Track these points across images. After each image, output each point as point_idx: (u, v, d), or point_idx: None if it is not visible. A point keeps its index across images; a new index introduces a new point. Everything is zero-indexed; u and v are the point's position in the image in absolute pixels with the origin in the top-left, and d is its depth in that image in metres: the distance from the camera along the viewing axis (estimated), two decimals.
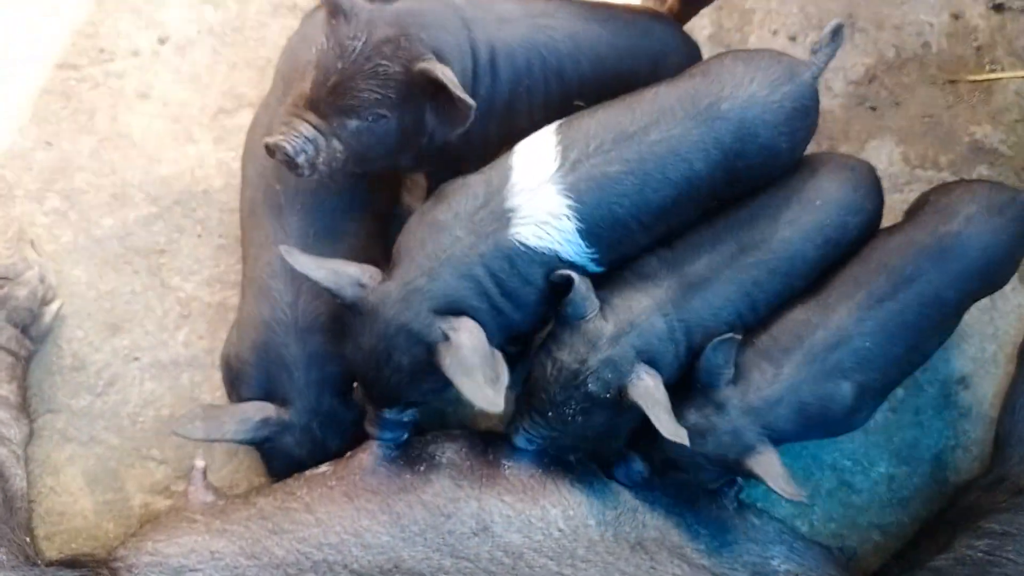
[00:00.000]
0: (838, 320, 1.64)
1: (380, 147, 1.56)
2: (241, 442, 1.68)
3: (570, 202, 1.52)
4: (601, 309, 1.56)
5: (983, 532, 1.72)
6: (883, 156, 2.12)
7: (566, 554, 1.53)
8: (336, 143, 1.52)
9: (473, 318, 1.51)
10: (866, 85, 2.15)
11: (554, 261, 1.55)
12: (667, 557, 1.57)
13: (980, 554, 1.67)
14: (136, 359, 1.97)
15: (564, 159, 1.53)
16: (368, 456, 1.62)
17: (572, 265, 1.56)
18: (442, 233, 1.52)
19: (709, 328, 1.62)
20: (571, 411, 1.55)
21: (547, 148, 1.55)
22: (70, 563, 1.57)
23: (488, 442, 1.67)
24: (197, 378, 1.97)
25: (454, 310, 1.51)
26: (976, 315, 2.04)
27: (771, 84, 1.60)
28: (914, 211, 1.81)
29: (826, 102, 2.12)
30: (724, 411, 1.60)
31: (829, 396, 1.64)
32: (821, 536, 1.95)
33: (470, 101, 1.46)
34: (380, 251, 1.77)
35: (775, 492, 1.57)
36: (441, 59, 1.50)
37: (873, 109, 2.15)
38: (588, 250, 1.56)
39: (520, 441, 1.62)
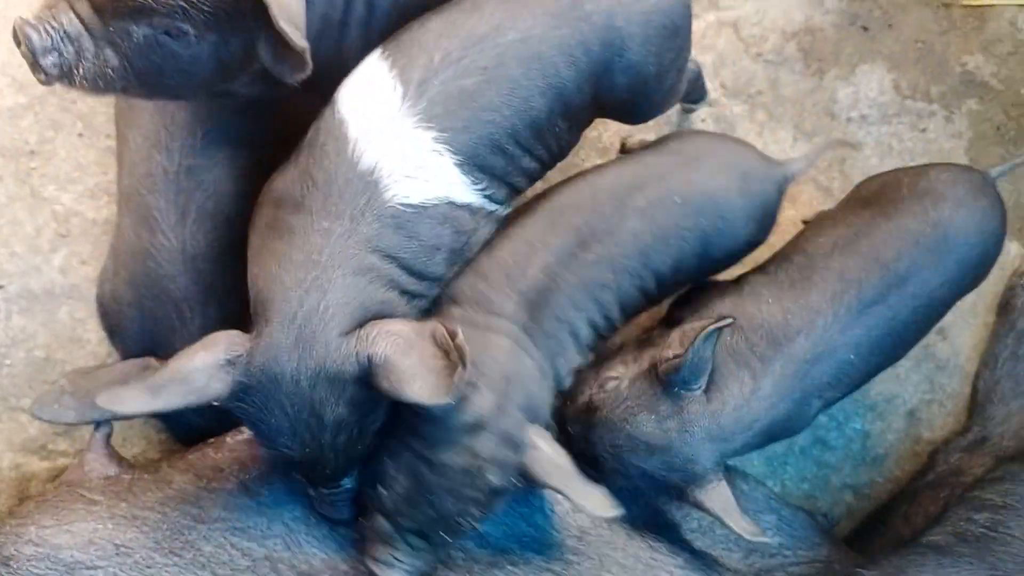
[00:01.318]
0: (823, 327, 1.42)
1: (181, 74, 1.16)
2: (124, 418, 1.37)
3: (434, 133, 1.21)
4: None
5: (981, 504, 1.62)
6: (873, 83, 1.96)
7: (555, 547, 1.30)
8: (110, 52, 1.11)
9: (389, 313, 1.21)
10: (859, 2, 1.96)
11: (451, 209, 1.25)
12: (665, 545, 1.37)
13: (982, 529, 1.57)
14: (0, 287, 1.61)
15: (406, 83, 1.22)
16: None
17: (470, 208, 1.28)
18: (305, 236, 1.17)
19: (569, 353, 1.37)
20: (470, 518, 1.23)
21: (379, 77, 1.23)
22: None
23: None
24: (79, 312, 1.63)
25: (368, 319, 1.19)
26: None
27: None
28: (886, 194, 1.57)
29: (817, 18, 1.94)
30: (688, 432, 1.34)
31: (798, 416, 1.45)
32: (793, 497, 1.83)
33: (302, 46, 1.09)
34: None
35: (728, 528, 1.36)
36: None
37: (865, 29, 1.97)
38: (477, 187, 1.27)
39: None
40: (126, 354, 1.45)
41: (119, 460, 1.35)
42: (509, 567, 1.27)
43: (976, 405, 1.88)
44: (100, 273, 1.48)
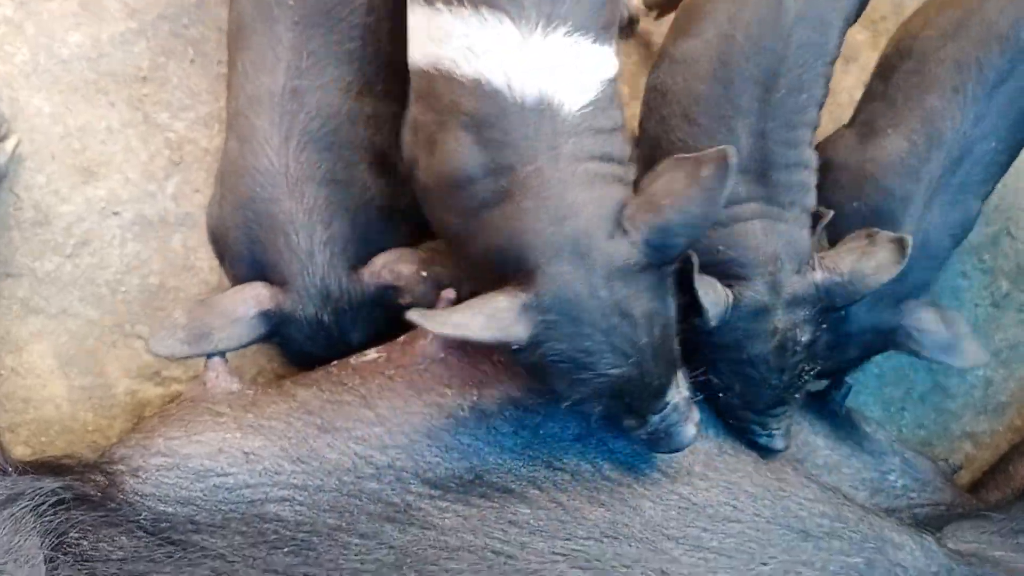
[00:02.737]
0: (952, 130, 1.33)
1: None
2: (240, 347, 1.35)
3: (561, 28, 1.16)
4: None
5: None
6: None
7: (682, 471, 1.25)
8: None
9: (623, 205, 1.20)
10: None
11: (610, 87, 1.22)
12: (793, 475, 1.32)
13: None
14: (116, 214, 1.58)
15: (495, 5, 1.15)
16: (430, 342, 1.30)
17: (615, 78, 1.24)
18: (523, 188, 1.14)
19: (811, 185, 1.35)
20: (810, 372, 1.33)
21: (463, 19, 1.17)
22: (50, 467, 1.23)
23: None
24: (192, 240, 1.60)
25: (616, 217, 1.17)
26: None
27: None
28: None
29: None
30: (849, 314, 1.35)
31: (959, 225, 1.38)
32: (910, 444, 1.74)
33: None
34: (397, 83, 1.42)
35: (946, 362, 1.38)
36: None
37: None
38: (613, 48, 1.23)
39: (781, 442, 1.35)
40: (236, 279, 1.42)
41: (240, 377, 1.33)
42: (636, 486, 1.22)
43: None
44: (210, 198, 1.45)
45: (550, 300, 1.11)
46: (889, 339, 1.40)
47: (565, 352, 1.13)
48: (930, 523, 1.46)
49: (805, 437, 1.41)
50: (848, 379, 1.52)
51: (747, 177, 1.30)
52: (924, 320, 1.38)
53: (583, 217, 1.13)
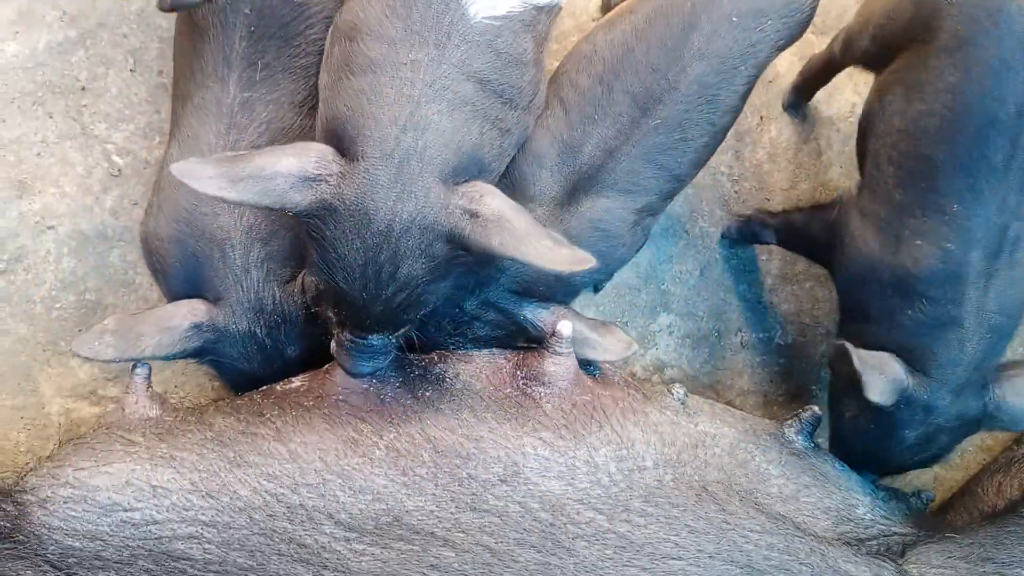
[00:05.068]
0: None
1: None
2: (168, 358, 1.30)
3: None
4: None
5: None
6: None
7: (619, 507, 1.19)
8: None
9: (484, 159, 1.15)
10: None
11: (534, 14, 1.16)
12: (739, 506, 1.26)
13: None
14: (51, 228, 1.55)
15: None
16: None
17: (547, 8, 1.19)
18: (392, 70, 1.08)
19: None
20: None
21: None
22: None
23: (516, 364, 1.29)
24: (131, 255, 1.56)
25: (465, 164, 1.11)
26: None
27: None
28: None
29: None
30: (934, 410, 1.34)
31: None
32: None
33: None
34: None
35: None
36: None
37: None
38: None
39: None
40: (170, 294, 1.37)
41: (161, 402, 1.28)
42: (570, 526, 1.17)
43: None
44: (146, 209, 1.40)
45: (350, 194, 1.07)
46: (979, 425, 1.38)
47: (325, 239, 1.09)
48: (896, 550, 1.40)
49: (757, 466, 1.35)
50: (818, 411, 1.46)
51: (568, 172, 1.28)
52: (1007, 394, 1.35)
53: (428, 139, 1.07)
